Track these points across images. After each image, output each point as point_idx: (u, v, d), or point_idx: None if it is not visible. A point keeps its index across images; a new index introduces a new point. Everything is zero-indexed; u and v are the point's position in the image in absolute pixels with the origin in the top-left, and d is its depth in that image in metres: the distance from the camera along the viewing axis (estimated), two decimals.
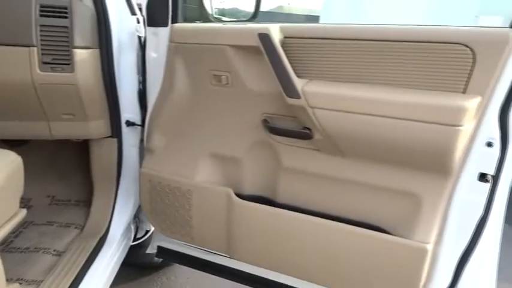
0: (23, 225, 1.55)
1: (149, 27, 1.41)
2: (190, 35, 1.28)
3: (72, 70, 1.33)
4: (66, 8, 1.30)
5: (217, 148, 1.36)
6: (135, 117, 1.56)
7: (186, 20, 1.39)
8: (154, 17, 1.39)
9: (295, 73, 1.13)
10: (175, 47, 1.31)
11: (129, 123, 1.56)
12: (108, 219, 1.58)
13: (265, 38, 1.12)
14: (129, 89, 1.53)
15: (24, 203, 1.71)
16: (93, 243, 1.49)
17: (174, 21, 1.35)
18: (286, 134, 1.21)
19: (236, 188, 1.35)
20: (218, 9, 1.68)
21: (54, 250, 1.42)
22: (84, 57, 1.34)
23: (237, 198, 1.29)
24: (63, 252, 1.42)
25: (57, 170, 1.85)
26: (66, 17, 1.30)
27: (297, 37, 1.14)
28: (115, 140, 1.56)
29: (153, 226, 1.59)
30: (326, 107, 1.09)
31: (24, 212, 1.19)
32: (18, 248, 1.42)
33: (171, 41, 1.31)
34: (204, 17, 1.51)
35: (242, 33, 1.17)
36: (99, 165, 1.60)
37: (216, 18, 1.55)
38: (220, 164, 1.37)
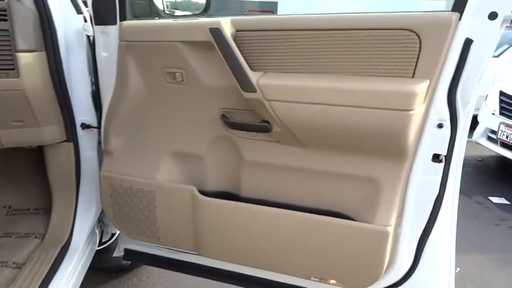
0: None
1: (97, 26, 1.36)
2: (140, 32, 1.25)
3: (17, 75, 1.26)
4: (4, 10, 1.22)
5: (177, 146, 1.34)
6: (91, 119, 1.51)
7: (135, 17, 1.35)
8: (101, 15, 1.34)
9: (250, 66, 1.12)
10: (126, 46, 1.27)
11: (85, 126, 1.50)
12: (70, 226, 1.53)
13: (216, 32, 1.10)
14: (82, 90, 1.47)
15: None
16: (56, 252, 1.44)
17: (123, 18, 1.30)
18: (245, 128, 1.21)
19: (200, 185, 1.33)
20: (170, 2, 1.64)
21: (14, 263, 1.37)
22: (29, 60, 1.28)
23: (201, 195, 1.28)
24: (23, 264, 1.37)
25: (12, 178, 1.77)
26: (5, 20, 1.22)
27: (249, 30, 1.13)
28: (71, 144, 1.50)
29: (118, 230, 1.56)
30: (282, 99, 1.09)
31: None
32: None
33: (120, 39, 1.27)
34: (155, 12, 1.47)
35: (193, 29, 1.15)
36: (56, 171, 1.54)
37: (167, 13, 1.51)
38: (181, 162, 1.35)
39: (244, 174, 1.29)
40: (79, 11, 1.41)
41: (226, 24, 1.11)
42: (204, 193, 1.31)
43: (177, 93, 1.27)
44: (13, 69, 1.26)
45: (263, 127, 1.16)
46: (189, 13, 1.60)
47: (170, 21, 1.24)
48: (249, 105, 1.16)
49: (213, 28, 1.10)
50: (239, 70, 1.11)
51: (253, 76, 1.11)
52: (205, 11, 1.48)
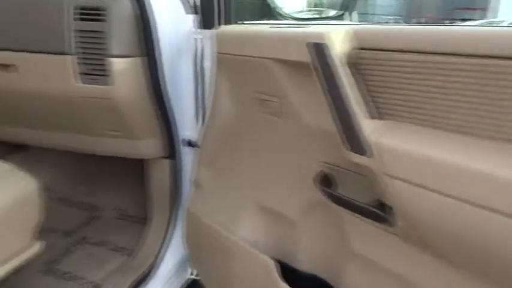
0: (78, 241, 1.46)
1: (205, 30, 1.10)
2: (233, 42, 0.92)
3: (110, 82, 1.12)
4: (102, 10, 1.08)
5: (265, 198, 0.98)
6: (195, 135, 1.29)
7: (245, 20, 1.03)
8: (211, 17, 1.07)
9: (368, 110, 0.66)
10: (219, 59, 0.96)
11: (187, 143, 1.29)
12: (159, 248, 1.37)
13: (318, 49, 0.68)
14: (185, 103, 1.26)
15: (92, 211, 1.64)
16: (137, 275, 1.29)
17: (227, 21, 1.01)
18: (352, 208, 0.75)
19: (288, 258, 0.95)
20: None
21: (91, 282, 1.27)
22: (124, 67, 1.11)
23: (279, 279, 0.90)
24: (99, 286, 1.26)
25: (131, 183, 1.74)
26: (103, 20, 1.08)
27: (377, 48, 0.66)
28: (171, 161, 1.32)
29: (197, 273, 1.31)
30: (416, 181, 0.60)
31: (37, 246, 1.04)
32: (59, 270, 1.31)
33: (215, 49, 0.98)
34: (269, 13, 1.12)
35: (288, 42, 0.76)
36: (153, 187, 1.39)
37: (282, 14, 1.13)
38: (269, 221, 0.99)
39: (350, 268, 0.83)
40: (189, 11, 1.17)
41: (338, 37, 0.67)
42: (289, 269, 0.92)
43: (270, 127, 0.90)
44: (106, 75, 1.11)
45: (377, 215, 0.69)
46: (316, 16, 1.17)
47: (265, 28, 0.86)
48: (360, 170, 0.71)
49: (313, 43, 0.68)
50: (345, 114, 0.67)
51: (369, 127, 0.65)
52: (345, 10, 1.05)
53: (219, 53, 0.95)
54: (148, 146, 1.29)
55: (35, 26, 1.12)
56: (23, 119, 1.34)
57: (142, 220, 1.57)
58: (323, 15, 1.14)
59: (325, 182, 0.79)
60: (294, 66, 0.76)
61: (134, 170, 1.64)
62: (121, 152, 1.31)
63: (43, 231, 1.50)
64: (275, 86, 0.83)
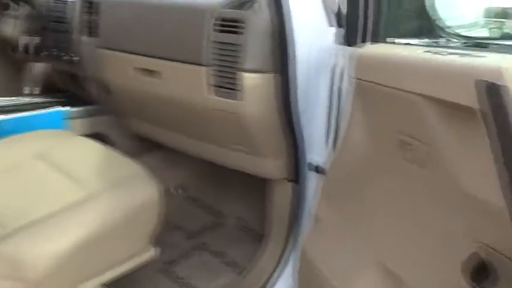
0: (198, 246, 1.48)
1: (347, 47, 0.96)
2: (375, 67, 0.76)
3: (240, 97, 1.07)
4: (240, 21, 1.03)
5: (392, 260, 0.79)
6: (323, 160, 1.16)
7: (398, 36, 0.85)
8: (355, 32, 0.92)
9: None
10: (357, 85, 0.81)
11: (312, 168, 1.17)
12: (270, 272, 1.29)
13: (492, 92, 0.47)
14: (317, 124, 1.13)
15: (216, 217, 1.65)
16: None
17: (375, 38, 0.84)
18: None
19: None
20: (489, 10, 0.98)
21: None
22: (255, 82, 1.05)
23: None
24: None
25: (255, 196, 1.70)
26: (240, 33, 1.03)
27: None
28: (293, 185, 1.22)
29: None
30: None
31: (152, 252, 1.06)
32: (174, 273, 1.34)
33: (353, 73, 0.82)
34: (428, 27, 0.89)
35: (449, 76, 0.56)
36: (273, 207, 1.31)
37: (446, 30, 0.87)
38: (390, 286, 0.79)
39: None
40: (332, 23, 1.04)
41: None
42: None
43: (410, 177, 0.71)
44: (237, 90, 1.07)
45: None
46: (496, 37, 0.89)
47: (419, 53, 0.66)
48: None
49: (485, 82, 0.48)
50: None
51: None
52: None
53: (357, 78, 0.80)
54: (271, 166, 1.21)
55: (178, 35, 1.15)
56: (162, 121, 1.42)
57: (261, 237, 1.51)
58: (506, 32, 0.86)
59: (479, 272, 0.57)
60: (453, 109, 0.56)
61: (262, 183, 1.59)
62: (244, 168, 1.26)
63: (171, 227, 1.59)
64: (423, 129, 0.64)
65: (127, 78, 1.33)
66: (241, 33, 1.02)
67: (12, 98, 1.51)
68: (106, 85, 1.43)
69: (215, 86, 1.10)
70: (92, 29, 1.39)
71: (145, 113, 1.46)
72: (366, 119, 0.81)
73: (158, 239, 1.09)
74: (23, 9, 1.71)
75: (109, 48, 1.34)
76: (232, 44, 1.04)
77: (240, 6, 1.07)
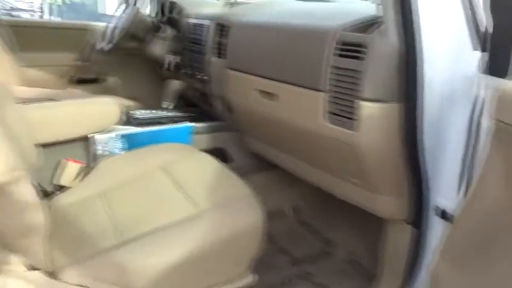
0: (302, 275, 1.41)
1: (492, 77, 0.80)
2: None
3: (356, 127, 0.98)
4: (363, 46, 0.94)
5: None
6: (452, 205, 0.99)
7: None
8: (504, 58, 0.76)
9: None
10: (498, 127, 0.65)
11: (440, 213, 1.01)
12: None
13: None
14: (450, 164, 0.97)
15: (325, 246, 1.56)
16: None
17: None
18: None
19: None
20: None
21: None
22: (374, 112, 0.95)
23: None
24: None
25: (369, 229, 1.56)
26: (361, 58, 0.94)
27: None
28: (413, 229, 1.07)
29: None
30: None
31: (250, 278, 1.05)
32: None
33: (493, 113, 0.67)
34: None
35: None
36: (388, 248, 1.17)
37: None
38: None
39: None
40: (476, 46, 0.87)
41: None
42: None
43: None
44: (353, 119, 0.98)
45: None
46: None
47: None
48: None
49: None
50: None
51: None
52: None
53: (498, 120, 0.64)
54: (389, 204, 1.08)
55: (297, 59, 1.12)
56: (278, 142, 1.41)
57: (370, 276, 1.38)
58: None
59: None
60: None
61: (379, 218, 1.46)
62: (358, 202, 1.16)
63: (277, 250, 1.57)
64: None
65: (248, 99, 1.36)
66: (363, 58, 0.94)
67: (152, 111, 1.69)
68: (229, 104, 1.49)
69: (331, 113, 1.04)
70: (220, 51, 1.46)
71: (263, 133, 1.47)
72: (507, 169, 0.65)
73: (262, 260, 1.08)
74: (170, 32, 1.92)
75: (234, 69, 1.39)
76: (352, 70, 0.96)
77: (364, 29, 0.98)
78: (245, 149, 1.65)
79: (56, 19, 4.79)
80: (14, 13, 8.51)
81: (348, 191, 1.17)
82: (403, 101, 0.93)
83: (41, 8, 5.58)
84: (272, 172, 1.67)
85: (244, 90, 1.37)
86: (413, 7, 0.86)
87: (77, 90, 2.17)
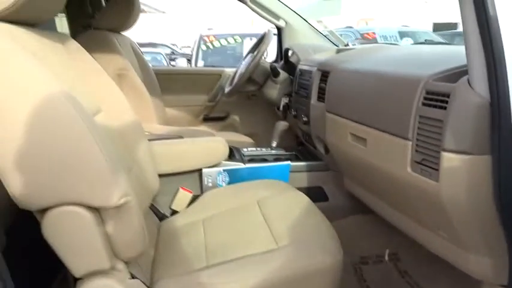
0: None
1: None
2: None
3: (439, 178, 0.94)
4: (445, 95, 0.91)
5: None
6: None
7: None
8: None
9: None
10: None
11: None
12: None
13: None
14: None
15: None
16: None
17: None
18: None
19: None
20: None
21: None
22: (457, 164, 0.90)
23: None
24: None
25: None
26: (444, 108, 0.91)
27: None
28: None
29: None
30: None
31: None
32: None
33: None
34: None
35: None
36: None
37: None
38: None
39: None
40: None
41: None
42: None
43: None
44: (435, 169, 0.94)
45: None
46: None
47: None
48: None
49: None
50: None
51: None
52: None
53: None
54: (482, 265, 0.98)
55: (387, 106, 1.12)
56: (370, 185, 1.39)
57: None
58: None
59: None
60: None
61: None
62: (446, 257, 1.08)
63: None
64: None
65: (342, 141, 1.39)
66: (447, 108, 0.91)
67: (259, 148, 1.84)
68: (326, 144, 1.55)
69: (416, 162, 1.01)
70: (320, 95, 1.54)
71: (357, 175, 1.47)
72: None
73: None
74: (285, 76, 2.08)
75: (331, 112, 1.45)
76: (437, 120, 0.93)
77: (451, 78, 0.95)
78: (342, 189, 1.66)
79: (200, 62, 5.51)
80: (173, 56, 10.09)
81: (439, 245, 1.09)
82: (490, 154, 0.86)
83: (191, 53, 6.50)
84: (370, 215, 1.63)
85: (339, 133, 1.41)
86: (499, 56, 0.82)
87: (204, 128, 2.50)
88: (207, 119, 2.66)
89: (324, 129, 1.51)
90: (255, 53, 2.01)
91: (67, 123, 0.80)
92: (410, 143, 1.02)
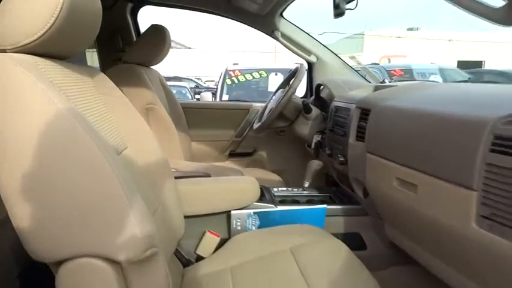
0: None
1: None
2: None
3: (511, 237, 0.80)
4: None
5: None
6: None
7: None
8: None
9: None
10: None
11: None
12: None
13: None
14: None
15: None
16: None
17: None
18: None
19: None
20: None
21: None
22: None
23: None
24: None
25: None
26: None
27: None
28: None
29: None
30: None
31: None
32: None
33: None
34: None
35: None
36: None
37: None
38: None
39: None
40: None
41: None
42: None
43: None
44: (508, 226, 0.80)
45: None
46: None
47: None
48: None
49: None
50: None
51: None
52: None
53: None
54: None
55: (443, 150, 1.00)
56: (416, 236, 1.25)
57: None
58: None
59: None
60: None
61: None
62: None
63: None
64: None
65: (385, 185, 1.27)
66: None
67: (291, 188, 1.73)
68: (366, 187, 1.42)
69: (482, 216, 0.88)
70: (360, 134, 1.43)
71: (401, 223, 1.33)
72: None
73: None
74: (317, 113, 1.99)
75: (372, 153, 1.33)
76: (509, 169, 0.81)
77: None
78: (382, 236, 1.51)
79: (224, 96, 5.52)
80: (197, 90, 10.25)
81: None
82: None
83: (216, 86, 6.55)
84: (413, 267, 1.47)
85: (382, 176, 1.29)
86: None
87: (230, 164, 2.41)
88: (233, 155, 2.57)
89: (364, 171, 1.39)
90: (287, 88, 1.93)
91: (89, 163, 0.71)
92: (476, 193, 0.89)
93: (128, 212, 0.72)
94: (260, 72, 5.94)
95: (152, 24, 1.91)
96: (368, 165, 1.36)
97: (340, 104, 1.70)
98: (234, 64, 6.31)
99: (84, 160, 0.71)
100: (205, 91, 7.60)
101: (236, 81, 5.82)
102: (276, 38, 2.19)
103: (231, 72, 5.97)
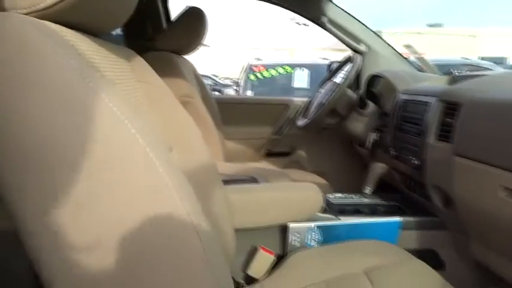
0: None
1: None
2: None
3: None
4: None
5: None
6: None
7: None
8: None
9: None
10: None
11: None
12: None
13: None
14: None
15: None
16: None
17: None
18: None
19: None
20: None
21: None
22: None
23: None
24: None
25: None
26: None
27: None
28: None
29: None
30: None
31: None
32: None
33: None
34: None
35: None
36: None
37: None
38: None
39: None
40: None
41: None
42: None
43: None
44: None
45: None
46: None
47: None
48: None
49: None
50: None
51: None
52: None
53: None
54: None
55: None
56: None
57: None
58: None
59: None
60: None
61: None
62: None
63: None
64: None
65: (483, 195, 1.03)
66: None
67: (348, 195, 1.49)
68: (449, 197, 1.18)
69: None
70: (444, 133, 1.19)
71: (496, 240, 1.09)
72: None
73: None
74: (374, 108, 1.75)
75: (464, 157, 1.09)
76: None
77: None
78: (464, 255, 1.27)
79: (248, 92, 5.31)
80: (216, 87, 10.04)
81: None
82: None
83: (237, 83, 6.34)
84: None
85: (480, 185, 1.04)
86: None
87: (266, 164, 2.18)
88: (270, 154, 2.34)
89: (449, 178, 1.15)
90: (341, 79, 1.70)
91: (142, 178, 0.49)
92: None
93: (201, 252, 0.50)
94: (285, 67, 5.71)
95: (188, 6, 1.69)
96: (457, 170, 1.12)
97: (410, 98, 1.46)
98: (257, 59, 6.09)
99: (130, 168, 0.49)
100: (227, 88, 7.41)
101: (260, 76, 5.60)
102: (323, 25, 1.96)
103: (254, 68, 5.75)
